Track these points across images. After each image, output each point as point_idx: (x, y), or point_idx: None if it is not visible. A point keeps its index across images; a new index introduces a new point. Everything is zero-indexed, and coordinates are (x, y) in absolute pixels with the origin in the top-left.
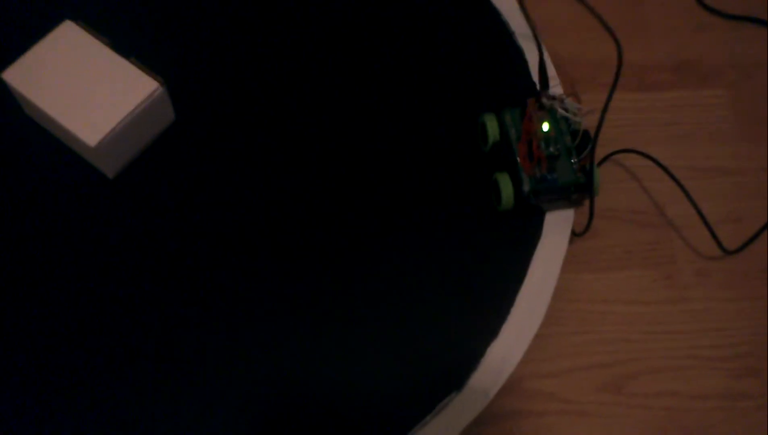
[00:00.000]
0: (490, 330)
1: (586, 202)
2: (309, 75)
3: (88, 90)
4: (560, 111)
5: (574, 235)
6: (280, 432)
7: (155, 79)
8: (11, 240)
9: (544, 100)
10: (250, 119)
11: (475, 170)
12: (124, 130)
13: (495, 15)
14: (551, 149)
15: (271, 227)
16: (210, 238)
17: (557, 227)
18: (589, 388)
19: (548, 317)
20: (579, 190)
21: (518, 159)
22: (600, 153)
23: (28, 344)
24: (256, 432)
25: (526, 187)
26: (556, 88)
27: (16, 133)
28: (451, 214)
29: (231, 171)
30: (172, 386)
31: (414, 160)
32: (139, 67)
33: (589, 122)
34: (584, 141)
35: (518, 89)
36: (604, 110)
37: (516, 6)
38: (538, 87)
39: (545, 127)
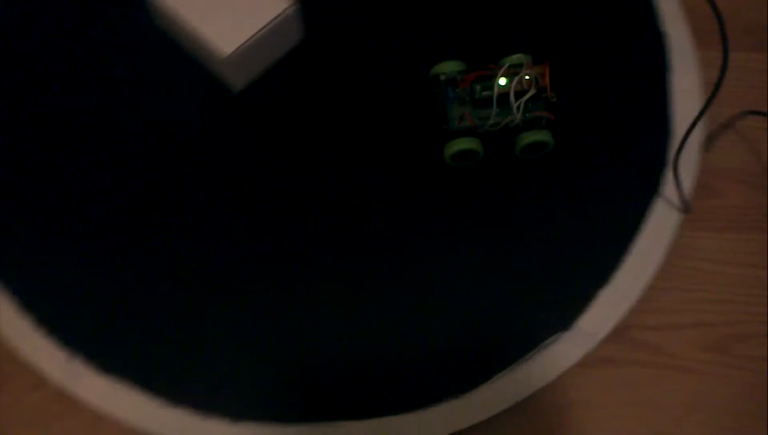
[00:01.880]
0: (603, 276)
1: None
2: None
3: (224, 2)
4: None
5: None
6: (406, 351)
7: None
8: (132, 145)
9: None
10: (376, 49)
11: (594, 119)
12: (255, 44)
13: None
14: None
15: (378, 171)
16: (310, 172)
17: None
18: (695, 345)
19: (661, 271)
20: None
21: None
22: (724, 112)
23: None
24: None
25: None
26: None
27: (146, 43)
28: (571, 160)
29: (350, 100)
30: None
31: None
32: None
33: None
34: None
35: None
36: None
37: None
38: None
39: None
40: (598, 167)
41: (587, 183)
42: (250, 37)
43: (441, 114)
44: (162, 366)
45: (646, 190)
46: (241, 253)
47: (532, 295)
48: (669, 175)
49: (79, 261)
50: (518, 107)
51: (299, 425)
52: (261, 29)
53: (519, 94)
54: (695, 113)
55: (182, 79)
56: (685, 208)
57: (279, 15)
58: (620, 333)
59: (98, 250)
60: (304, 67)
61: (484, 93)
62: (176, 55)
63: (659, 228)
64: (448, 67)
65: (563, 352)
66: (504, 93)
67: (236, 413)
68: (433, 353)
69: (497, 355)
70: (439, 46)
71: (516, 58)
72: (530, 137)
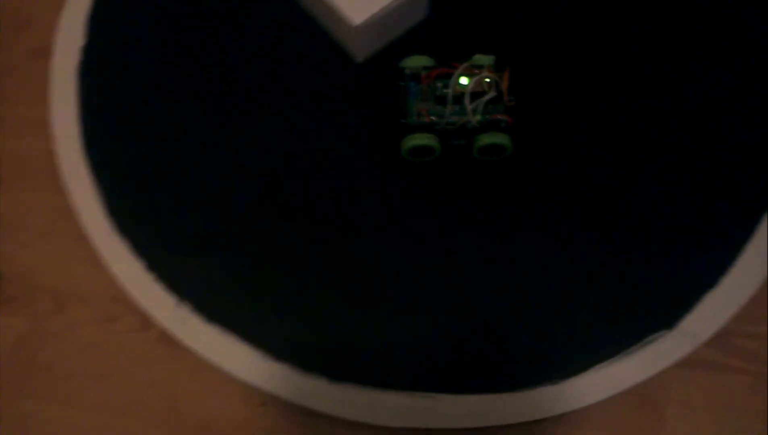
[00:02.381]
0: (711, 279)
1: None
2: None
3: None
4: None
5: None
6: (496, 343)
7: None
8: (259, 112)
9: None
10: (503, 25)
11: (709, 118)
12: (386, 15)
13: None
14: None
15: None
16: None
17: None
18: None
19: None
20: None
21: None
22: None
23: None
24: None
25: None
26: None
27: (276, 10)
28: (687, 161)
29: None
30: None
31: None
32: None
33: None
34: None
35: None
36: None
37: None
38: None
39: (464, 81)
40: (713, 169)
41: (702, 185)
42: (382, 8)
43: (401, 108)
44: (267, 320)
45: (764, 196)
46: (375, 230)
47: (639, 291)
48: None
49: (193, 213)
50: (474, 108)
51: (398, 392)
52: (392, 2)
53: (478, 95)
54: None
55: (310, 47)
56: None
57: None
58: (721, 338)
59: (214, 204)
60: (426, 44)
61: (444, 90)
62: (308, 25)
63: None
64: (415, 62)
65: (664, 351)
66: (463, 92)
67: (336, 374)
68: (537, 338)
69: (600, 346)
70: (413, 41)
71: (477, 58)
72: (486, 139)
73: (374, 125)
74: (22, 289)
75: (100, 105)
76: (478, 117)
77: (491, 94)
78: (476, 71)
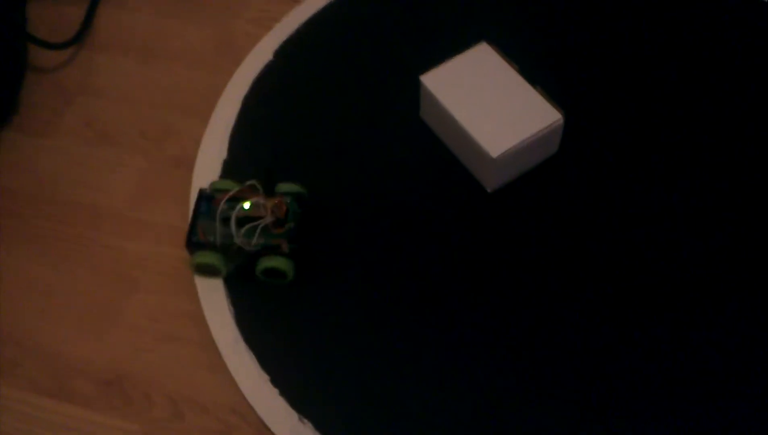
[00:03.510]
0: None
1: None
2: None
3: (496, 107)
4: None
5: None
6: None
7: (558, 110)
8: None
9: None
10: (633, 168)
11: None
12: (521, 149)
13: None
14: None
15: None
16: (571, 275)
17: None
18: None
19: None
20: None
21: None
22: None
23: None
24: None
25: None
26: None
27: (407, 133)
28: None
29: (598, 215)
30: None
31: None
32: (544, 96)
33: None
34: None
35: None
36: None
37: None
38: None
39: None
40: None
41: None
42: (519, 142)
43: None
44: None
45: None
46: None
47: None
48: None
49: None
50: (246, 232)
51: None
52: (529, 136)
53: (250, 220)
54: None
55: (438, 171)
56: None
57: (547, 126)
58: None
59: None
60: (555, 178)
61: (229, 212)
62: (436, 148)
63: None
64: (221, 185)
65: None
66: (247, 216)
67: None
68: None
69: None
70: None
71: (281, 186)
72: (264, 263)
73: (502, 253)
74: (141, 393)
75: None
76: (260, 241)
77: (268, 220)
78: (259, 197)
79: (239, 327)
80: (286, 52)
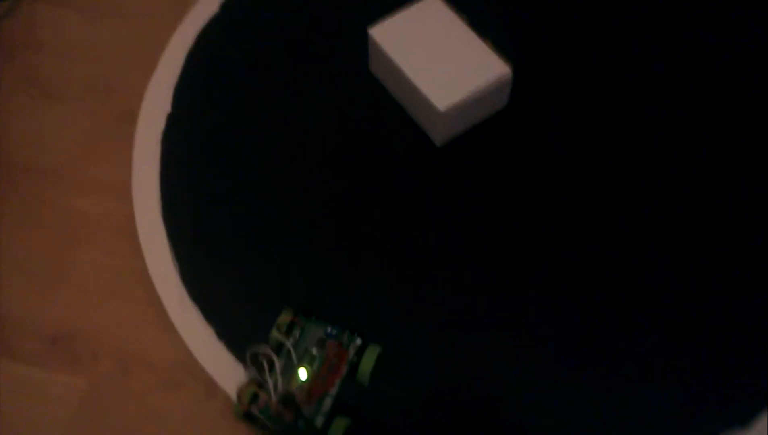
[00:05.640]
0: None
1: None
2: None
3: (444, 60)
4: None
5: None
6: None
7: (506, 63)
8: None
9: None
10: (581, 122)
11: None
12: (469, 102)
13: None
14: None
15: (592, 241)
16: (529, 233)
17: None
18: None
19: None
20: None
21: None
22: None
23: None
24: None
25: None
26: None
27: (355, 86)
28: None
29: (548, 169)
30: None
31: None
32: (492, 49)
33: None
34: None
35: None
36: None
37: None
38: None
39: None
40: None
41: None
42: (467, 95)
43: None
44: None
45: None
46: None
47: (716, 387)
48: None
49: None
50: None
51: None
52: (476, 89)
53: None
54: None
55: (389, 125)
56: None
57: (495, 80)
58: None
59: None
60: (503, 132)
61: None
62: (384, 100)
63: None
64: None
65: None
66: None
67: None
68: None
69: None
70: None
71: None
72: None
73: (451, 208)
74: (88, 350)
75: (180, 173)
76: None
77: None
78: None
79: (184, 282)
80: (232, 4)
